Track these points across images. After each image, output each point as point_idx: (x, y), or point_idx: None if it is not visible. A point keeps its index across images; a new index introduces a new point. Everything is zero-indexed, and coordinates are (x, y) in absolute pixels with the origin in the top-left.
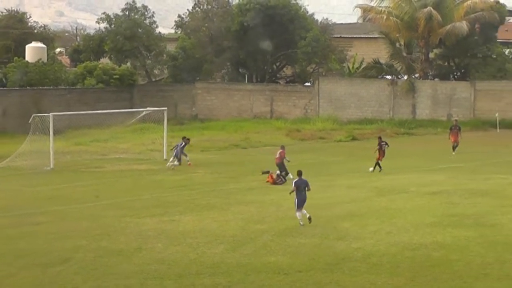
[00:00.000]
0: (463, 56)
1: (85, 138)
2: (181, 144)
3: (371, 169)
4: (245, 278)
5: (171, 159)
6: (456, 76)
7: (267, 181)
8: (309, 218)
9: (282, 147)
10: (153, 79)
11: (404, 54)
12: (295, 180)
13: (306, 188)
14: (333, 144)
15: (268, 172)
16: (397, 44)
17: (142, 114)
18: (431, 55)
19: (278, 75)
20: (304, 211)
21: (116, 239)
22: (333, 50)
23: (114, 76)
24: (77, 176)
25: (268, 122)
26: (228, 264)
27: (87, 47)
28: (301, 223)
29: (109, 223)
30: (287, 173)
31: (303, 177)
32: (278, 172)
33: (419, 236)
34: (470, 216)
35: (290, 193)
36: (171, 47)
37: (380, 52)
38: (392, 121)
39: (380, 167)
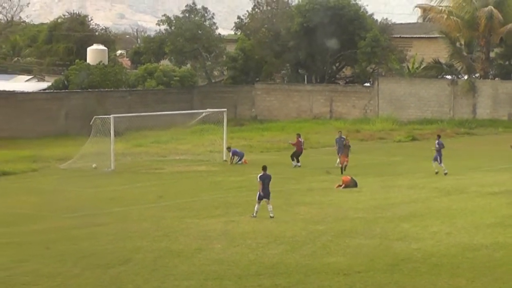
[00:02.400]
0: None
1: (145, 139)
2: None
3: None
4: (304, 278)
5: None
6: None
7: (338, 186)
8: (271, 210)
9: (299, 135)
10: (213, 81)
11: (465, 53)
12: (260, 175)
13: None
14: (393, 144)
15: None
16: (457, 44)
17: (202, 116)
18: (492, 54)
19: (337, 76)
20: (270, 206)
21: (176, 240)
22: (393, 50)
23: (175, 78)
24: (138, 177)
25: (328, 122)
26: (287, 264)
27: (148, 49)
28: (255, 214)
29: (169, 224)
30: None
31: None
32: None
33: (480, 237)
34: None
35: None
36: (230, 49)
37: (440, 52)
38: (453, 121)
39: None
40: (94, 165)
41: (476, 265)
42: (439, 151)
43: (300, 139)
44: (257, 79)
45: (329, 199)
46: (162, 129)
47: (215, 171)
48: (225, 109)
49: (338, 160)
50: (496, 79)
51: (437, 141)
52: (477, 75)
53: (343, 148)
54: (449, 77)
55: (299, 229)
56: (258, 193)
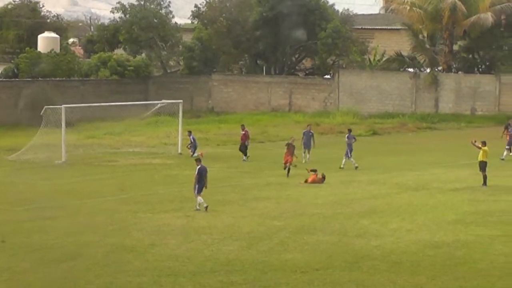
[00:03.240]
0: (488, 48)
1: (98, 131)
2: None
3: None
4: (261, 276)
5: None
6: (480, 69)
7: (306, 181)
8: (206, 207)
9: (243, 127)
10: (169, 71)
11: (427, 46)
12: (199, 167)
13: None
14: None
15: (315, 170)
16: (420, 36)
17: (157, 107)
18: (455, 47)
19: (297, 67)
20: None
21: (129, 234)
22: (354, 41)
23: (129, 68)
24: (90, 170)
25: (287, 115)
26: (243, 261)
27: (101, 38)
28: (198, 207)
29: (122, 218)
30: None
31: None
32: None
33: (441, 234)
34: (494, 213)
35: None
36: (187, 38)
37: (403, 44)
38: (414, 115)
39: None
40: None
41: (437, 263)
42: (349, 145)
43: (245, 130)
44: (215, 69)
45: (287, 194)
46: (115, 120)
47: (170, 164)
48: (181, 101)
49: (303, 154)
50: (459, 72)
51: (347, 135)
52: (440, 68)
53: (307, 141)
54: (411, 70)
55: (256, 225)
56: (196, 186)
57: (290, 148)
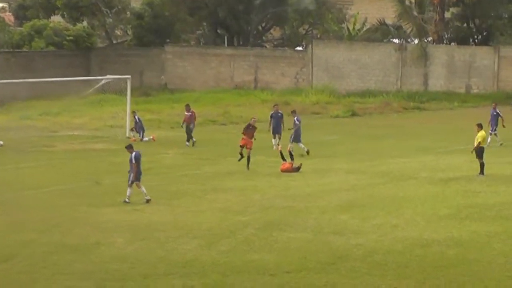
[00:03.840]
0: (485, 16)
1: (32, 111)
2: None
3: None
4: (222, 279)
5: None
6: (476, 40)
7: (282, 169)
8: (148, 200)
9: (188, 107)
10: (115, 42)
11: (415, 13)
12: (134, 154)
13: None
14: (329, 120)
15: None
16: (407, 2)
17: (101, 83)
18: (447, 14)
19: (264, 38)
20: (143, 188)
21: (70, 232)
22: (330, 8)
23: (68, 38)
24: (24, 157)
25: (252, 93)
26: (202, 262)
27: (35, 3)
28: (128, 200)
29: (62, 213)
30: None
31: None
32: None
33: (431, 231)
34: (493, 207)
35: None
36: (136, 4)
37: (387, 11)
38: (400, 94)
39: None
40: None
41: (427, 264)
42: (296, 131)
43: (191, 111)
44: (168, 40)
45: (253, 185)
46: (52, 99)
47: (116, 150)
48: (129, 76)
49: (274, 141)
50: (452, 44)
51: (296, 117)
52: (429, 39)
53: (277, 125)
54: (396, 41)
55: (217, 220)
56: (131, 175)
57: (250, 130)
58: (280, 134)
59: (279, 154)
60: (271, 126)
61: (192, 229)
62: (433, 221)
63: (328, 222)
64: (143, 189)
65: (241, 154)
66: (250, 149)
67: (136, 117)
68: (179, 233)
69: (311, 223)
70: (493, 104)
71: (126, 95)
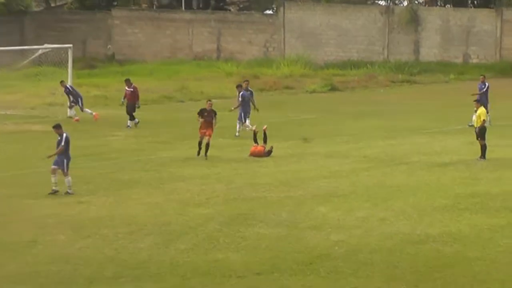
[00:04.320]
0: None
1: None
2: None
3: None
4: (182, 283)
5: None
6: (476, 2)
7: (253, 153)
8: (55, 191)
9: (128, 82)
10: (53, 5)
11: None
12: (65, 135)
13: None
14: (305, 96)
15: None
16: None
17: (37, 54)
18: None
19: (227, 0)
20: (68, 179)
21: (4, 228)
22: None
23: None
24: None
25: (214, 65)
26: (159, 263)
27: None
28: (70, 191)
29: None
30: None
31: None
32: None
33: (425, 225)
34: (496, 197)
35: None
36: None
37: None
38: (387, 64)
39: None
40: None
41: (420, 264)
42: (244, 106)
43: (132, 87)
44: (115, 3)
45: (217, 172)
46: None
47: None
48: (70, 45)
49: (238, 124)
50: (447, 6)
51: (241, 93)
52: (421, 0)
53: (247, 105)
54: (382, 3)
55: (175, 214)
56: (65, 160)
57: (207, 117)
58: (249, 115)
59: (253, 136)
60: (240, 106)
61: (146, 224)
62: (427, 213)
63: (304, 215)
64: (69, 179)
65: (199, 145)
66: (210, 136)
67: (67, 86)
68: (131, 229)
69: (284, 216)
70: (481, 76)
71: (67, 67)
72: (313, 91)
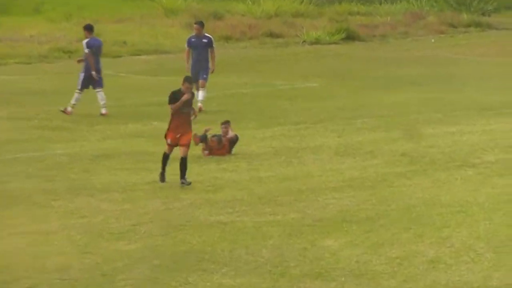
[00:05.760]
0: None
1: None
2: None
3: None
4: None
5: None
6: None
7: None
8: None
9: None
10: None
11: None
12: None
13: None
14: (302, 49)
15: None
16: None
17: None
18: None
19: None
20: None
21: None
22: None
23: None
24: None
25: None
26: None
27: None
28: None
29: None
30: None
31: None
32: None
33: (506, 272)
34: None
35: None
36: None
37: None
38: None
39: None
40: None
41: None
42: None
43: None
44: None
45: (151, 179)
46: None
47: None
48: None
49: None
50: None
51: (85, 41)
52: None
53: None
54: None
55: (77, 253)
56: None
57: (187, 105)
58: (206, 78)
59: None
60: (190, 66)
61: (27, 270)
62: (509, 251)
63: (300, 254)
64: None
65: (164, 160)
66: (187, 145)
67: None
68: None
69: (266, 256)
70: None
71: None
72: (316, 42)
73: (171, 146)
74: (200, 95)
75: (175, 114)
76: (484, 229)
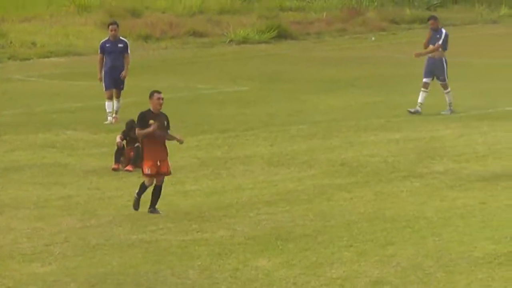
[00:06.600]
0: None
1: None
2: None
3: None
4: None
5: None
6: None
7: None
8: None
9: None
10: None
11: None
12: None
13: None
14: (229, 49)
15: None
16: None
17: None
18: None
19: None
20: None
21: None
22: None
23: None
24: None
25: None
26: None
27: None
28: None
29: None
30: None
31: None
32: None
33: None
34: None
35: None
36: None
37: None
38: None
39: None
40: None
41: None
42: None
43: None
44: None
45: (67, 194)
46: None
47: None
48: None
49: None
50: None
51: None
52: None
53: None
54: None
55: None
56: None
57: (159, 125)
58: (120, 88)
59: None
60: (104, 70)
61: None
62: (460, 270)
63: (232, 273)
64: None
65: (141, 190)
66: (167, 171)
67: None
68: None
69: (192, 277)
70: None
71: None
72: (245, 41)
73: (151, 176)
74: (116, 105)
75: (146, 139)
76: (433, 246)
